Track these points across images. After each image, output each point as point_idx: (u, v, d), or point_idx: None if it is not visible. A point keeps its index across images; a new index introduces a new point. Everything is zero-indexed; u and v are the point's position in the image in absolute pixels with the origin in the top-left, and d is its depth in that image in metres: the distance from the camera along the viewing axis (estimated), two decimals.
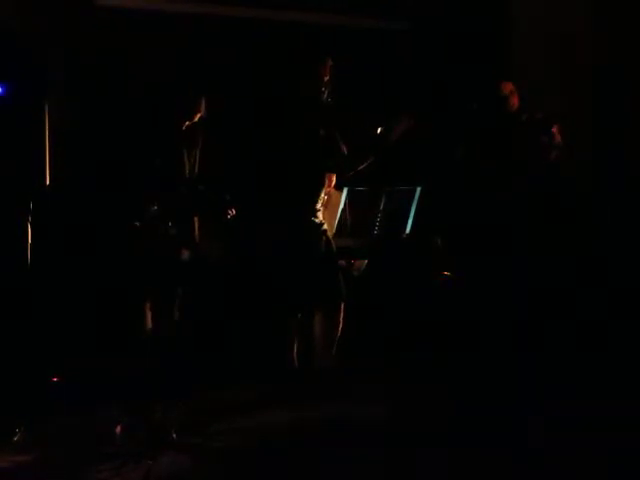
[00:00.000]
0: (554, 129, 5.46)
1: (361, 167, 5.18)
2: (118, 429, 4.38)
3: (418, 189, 5.07)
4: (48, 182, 5.22)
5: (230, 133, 5.45)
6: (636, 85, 6.62)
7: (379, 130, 5.11)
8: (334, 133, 5.13)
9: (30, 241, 4.89)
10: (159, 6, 5.89)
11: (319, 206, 5.19)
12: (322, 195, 5.21)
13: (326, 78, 5.12)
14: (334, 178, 5.40)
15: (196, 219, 4.82)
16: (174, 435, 4.30)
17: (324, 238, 5.20)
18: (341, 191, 5.64)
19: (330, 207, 5.56)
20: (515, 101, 5.65)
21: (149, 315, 4.75)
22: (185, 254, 4.73)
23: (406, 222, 5.10)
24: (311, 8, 6.29)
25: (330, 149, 5.11)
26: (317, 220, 5.18)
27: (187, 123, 4.78)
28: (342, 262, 5.39)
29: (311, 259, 5.11)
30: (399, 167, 5.35)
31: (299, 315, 5.23)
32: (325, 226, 5.24)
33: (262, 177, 5.11)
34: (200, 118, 4.78)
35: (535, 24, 6.64)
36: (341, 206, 5.53)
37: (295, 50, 5.43)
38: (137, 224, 4.47)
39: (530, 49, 6.57)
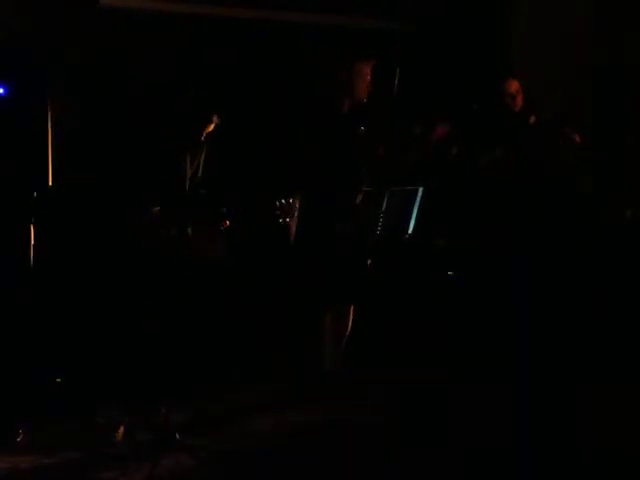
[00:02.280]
0: (569, 130, 5.46)
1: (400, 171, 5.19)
2: (120, 430, 4.38)
3: (420, 189, 5.07)
4: (50, 182, 5.22)
5: (240, 135, 5.43)
6: (636, 85, 6.63)
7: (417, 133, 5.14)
8: (376, 134, 5.12)
9: (32, 241, 4.90)
10: (159, 6, 5.87)
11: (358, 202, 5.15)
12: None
13: (369, 78, 5.11)
14: None
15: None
16: (177, 436, 4.30)
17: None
18: None
19: None
20: (520, 100, 5.64)
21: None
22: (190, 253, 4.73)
23: (409, 222, 5.09)
24: (311, 8, 6.28)
25: (374, 149, 5.10)
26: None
27: (205, 133, 4.72)
28: None
29: (345, 256, 5.07)
30: (401, 167, 5.35)
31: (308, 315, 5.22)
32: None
33: (308, 177, 5.04)
34: (216, 126, 4.73)
35: (535, 24, 6.64)
36: None
37: (340, 51, 5.44)
38: (146, 224, 4.45)
39: (530, 49, 6.57)
